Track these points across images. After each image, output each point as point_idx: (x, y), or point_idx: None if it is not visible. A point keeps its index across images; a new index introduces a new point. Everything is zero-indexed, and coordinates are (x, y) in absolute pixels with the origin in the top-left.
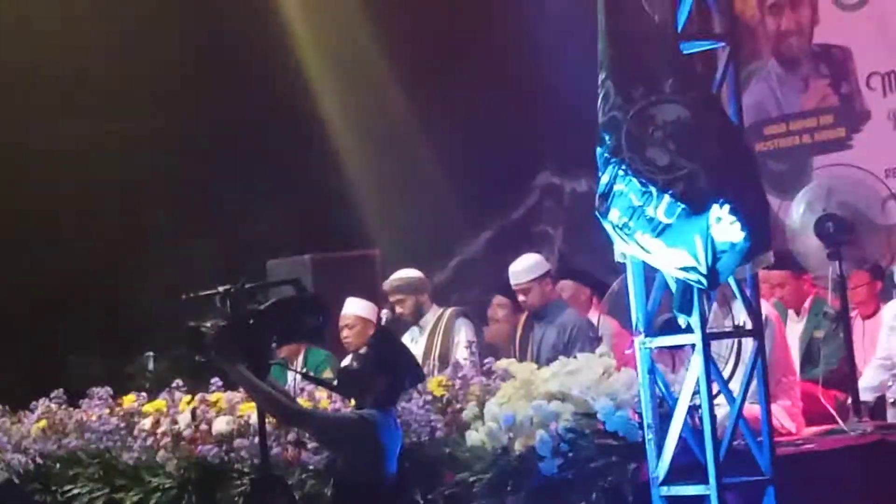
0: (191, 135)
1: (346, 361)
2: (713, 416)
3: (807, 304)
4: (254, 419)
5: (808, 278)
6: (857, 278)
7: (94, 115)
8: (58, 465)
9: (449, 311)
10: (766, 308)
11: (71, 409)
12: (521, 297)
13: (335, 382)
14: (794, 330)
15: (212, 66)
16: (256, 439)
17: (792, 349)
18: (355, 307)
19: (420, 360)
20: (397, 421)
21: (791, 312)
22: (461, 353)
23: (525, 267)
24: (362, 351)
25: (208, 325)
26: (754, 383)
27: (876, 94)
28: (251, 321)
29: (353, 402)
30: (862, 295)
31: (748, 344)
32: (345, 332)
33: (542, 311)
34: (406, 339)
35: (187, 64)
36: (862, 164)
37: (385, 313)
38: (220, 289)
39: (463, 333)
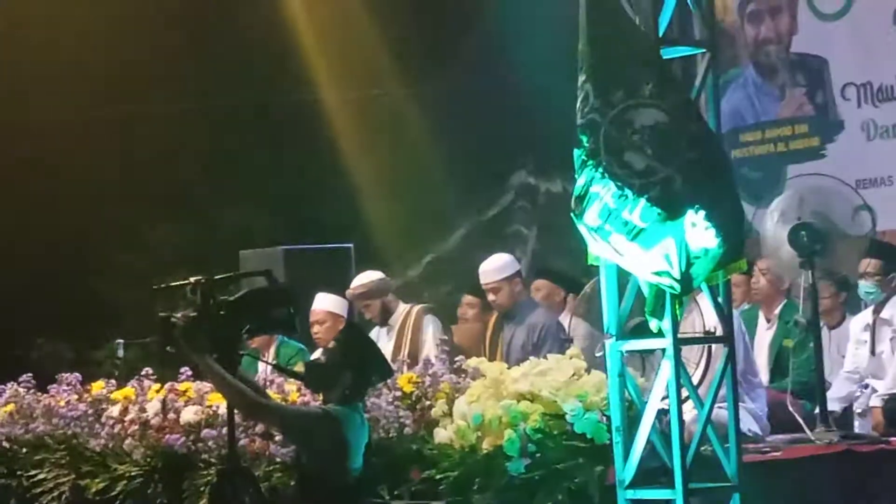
0: (167, 124)
1: (315, 356)
2: (681, 421)
3: (777, 311)
4: (222, 410)
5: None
6: (824, 289)
7: (66, 102)
8: (24, 450)
9: (417, 308)
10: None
11: (39, 393)
12: (490, 297)
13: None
14: (764, 337)
15: (191, 54)
16: (224, 430)
17: (761, 356)
18: (325, 303)
19: (389, 358)
20: (364, 416)
21: (762, 318)
22: (430, 350)
23: (495, 266)
24: (330, 346)
25: (178, 315)
26: (723, 389)
27: (850, 104)
28: (222, 312)
29: (321, 396)
30: (827, 305)
31: (718, 349)
32: (315, 328)
33: (512, 310)
34: (373, 335)
35: (169, 51)
36: (835, 174)
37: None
38: (192, 279)
39: (430, 331)
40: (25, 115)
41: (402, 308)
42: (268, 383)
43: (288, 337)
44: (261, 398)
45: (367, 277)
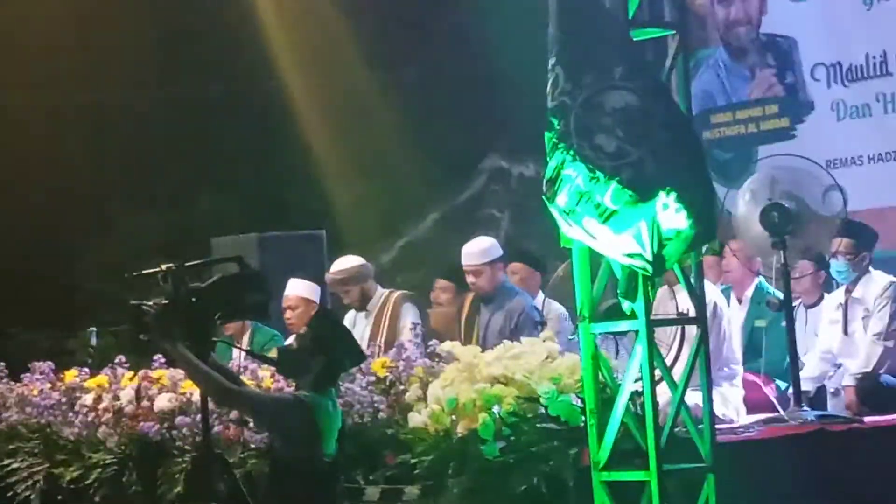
0: (137, 111)
1: (287, 341)
2: (655, 403)
3: (748, 293)
4: (196, 397)
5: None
6: (802, 268)
7: (41, 87)
8: None
9: (395, 294)
10: (715, 294)
11: (12, 382)
12: (470, 279)
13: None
14: (736, 318)
15: (167, 43)
16: (198, 417)
17: (734, 338)
18: (298, 288)
19: (366, 343)
20: (336, 402)
21: (733, 300)
22: (407, 336)
23: (479, 249)
24: (302, 331)
25: (150, 303)
26: (696, 370)
27: (820, 84)
28: (193, 299)
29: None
30: (806, 284)
31: (691, 331)
32: (287, 314)
33: (491, 295)
34: (348, 319)
35: (140, 38)
36: (805, 155)
37: None
38: (163, 267)
39: (409, 318)
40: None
41: (380, 293)
42: (242, 370)
43: (261, 322)
44: (231, 385)
45: (348, 262)
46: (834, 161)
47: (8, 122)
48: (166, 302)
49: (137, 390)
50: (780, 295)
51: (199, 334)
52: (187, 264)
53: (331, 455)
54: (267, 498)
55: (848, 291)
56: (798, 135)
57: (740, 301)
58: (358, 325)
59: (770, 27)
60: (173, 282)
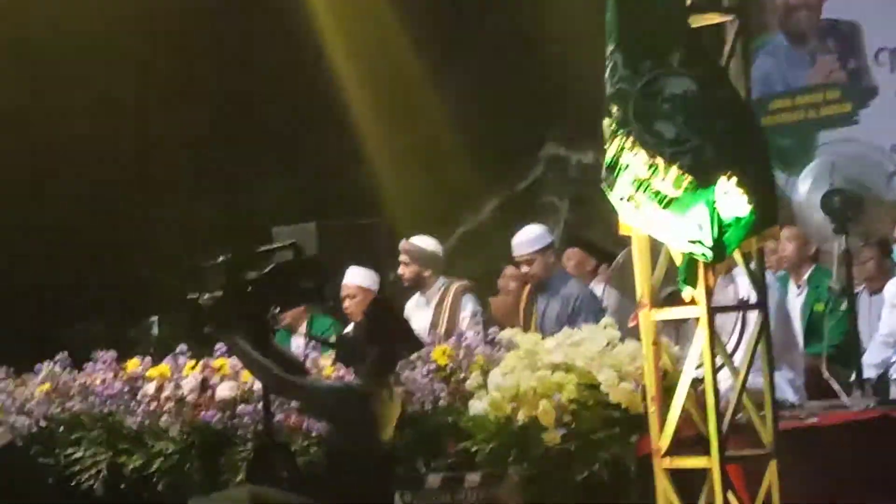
0: (199, 101)
1: (346, 330)
2: (716, 390)
3: (805, 277)
4: (258, 385)
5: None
6: (867, 253)
7: (99, 76)
8: (61, 429)
9: (455, 285)
10: (769, 280)
11: (75, 372)
12: (524, 269)
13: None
14: (795, 303)
15: (222, 31)
16: (260, 405)
17: (794, 322)
18: (356, 277)
19: (426, 331)
20: (393, 390)
21: (792, 286)
22: (471, 326)
23: (528, 238)
24: (359, 320)
25: (206, 297)
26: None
27: (884, 69)
28: (249, 288)
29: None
30: (871, 270)
31: (752, 317)
32: (346, 303)
33: (546, 282)
34: (411, 305)
35: (198, 26)
36: (869, 140)
37: None
38: (220, 258)
39: (469, 310)
40: (46, 95)
41: (441, 283)
42: (303, 358)
43: (318, 308)
44: (285, 374)
45: (421, 241)
46: None
47: (64, 116)
48: (220, 294)
49: (203, 380)
50: (838, 283)
51: (256, 324)
52: (242, 254)
53: (388, 443)
54: (323, 486)
55: None
56: (861, 120)
57: (798, 286)
58: (418, 310)
59: (832, 12)
60: (227, 273)
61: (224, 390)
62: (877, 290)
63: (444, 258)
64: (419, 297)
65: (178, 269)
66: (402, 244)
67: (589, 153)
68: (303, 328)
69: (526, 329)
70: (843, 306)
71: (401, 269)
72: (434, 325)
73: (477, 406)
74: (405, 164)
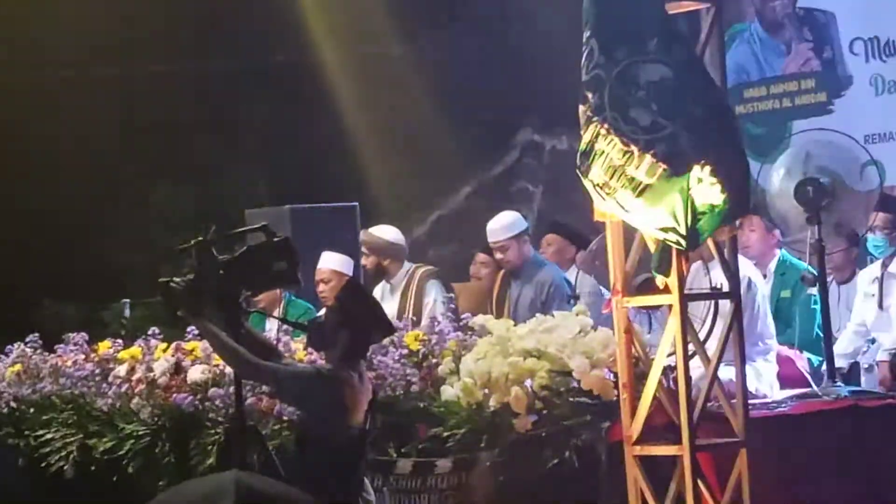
0: (172, 83)
1: (319, 314)
2: (688, 378)
3: (772, 266)
4: (229, 369)
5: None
6: (834, 244)
7: (70, 61)
8: (31, 410)
9: (420, 271)
10: (750, 269)
11: (46, 353)
12: (498, 255)
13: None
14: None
15: (197, 15)
16: (231, 389)
17: (768, 313)
18: (330, 261)
19: (394, 319)
20: (364, 375)
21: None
22: (434, 313)
23: (503, 225)
24: (331, 304)
25: (178, 279)
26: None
27: (858, 59)
28: (221, 271)
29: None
30: (838, 260)
31: (725, 306)
32: (320, 287)
33: (520, 269)
34: (377, 293)
35: (174, 10)
36: (842, 130)
37: None
38: (192, 241)
39: (433, 296)
40: (23, 76)
41: (407, 268)
42: (275, 342)
43: (291, 291)
44: (253, 358)
45: (379, 232)
46: (872, 136)
47: (38, 96)
48: (191, 277)
49: (177, 363)
50: (807, 267)
51: (228, 307)
52: (211, 237)
53: (358, 428)
54: (293, 470)
55: (884, 266)
56: (835, 110)
57: (765, 275)
58: (384, 298)
59: (807, 1)
60: (198, 255)
61: (196, 373)
62: (844, 280)
63: (416, 245)
64: (384, 284)
65: (152, 249)
66: (362, 235)
67: (564, 139)
68: (277, 312)
69: (498, 315)
70: (813, 293)
71: (363, 260)
72: (400, 312)
73: (449, 392)
74: (380, 149)
